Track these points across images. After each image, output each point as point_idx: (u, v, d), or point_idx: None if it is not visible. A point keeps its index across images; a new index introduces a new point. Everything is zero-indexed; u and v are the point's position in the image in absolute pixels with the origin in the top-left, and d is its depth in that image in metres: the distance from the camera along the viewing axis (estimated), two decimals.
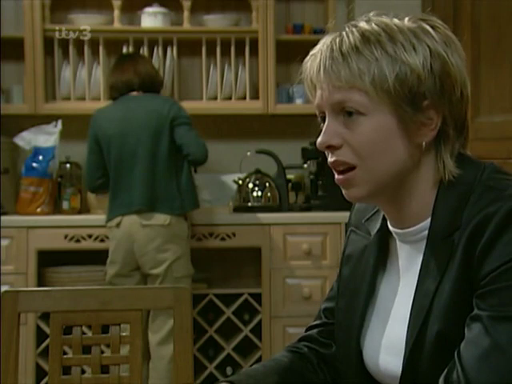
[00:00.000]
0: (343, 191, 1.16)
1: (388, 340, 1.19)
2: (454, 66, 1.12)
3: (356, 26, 1.12)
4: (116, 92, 3.43)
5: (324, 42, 1.14)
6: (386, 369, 1.18)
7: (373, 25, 1.11)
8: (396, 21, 1.12)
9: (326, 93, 1.12)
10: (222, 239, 3.70)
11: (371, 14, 1.15)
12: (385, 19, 1.13)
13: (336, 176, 1.15)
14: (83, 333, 1.54)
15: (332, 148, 1.14)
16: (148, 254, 3.29)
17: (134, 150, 3.31)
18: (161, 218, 3.29)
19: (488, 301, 1.04)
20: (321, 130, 1.16)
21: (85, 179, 3.55)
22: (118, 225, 3.32)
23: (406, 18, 1.14)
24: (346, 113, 1.12)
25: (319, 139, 1.15)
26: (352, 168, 1.13)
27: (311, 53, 1.16)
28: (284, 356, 1.33)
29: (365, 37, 1.10)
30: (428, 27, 1.12)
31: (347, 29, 1.12)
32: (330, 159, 1.14)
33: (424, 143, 1.12)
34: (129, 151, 3.32)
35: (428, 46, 1.10)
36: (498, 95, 3.49)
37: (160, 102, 3.37)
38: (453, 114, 1.13)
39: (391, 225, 1.21)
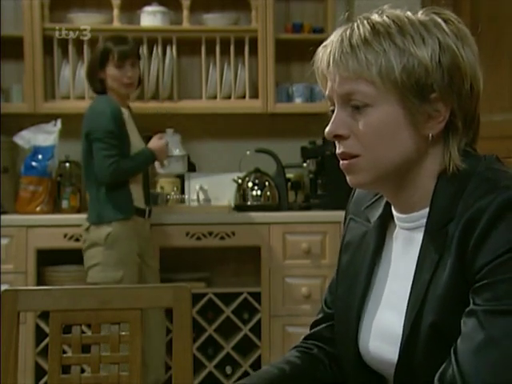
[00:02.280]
0: (347, 177, 1.17)
1: (378, 325, 1.20)
2: (464, 60, 1.12)
3: (368, 18, 1.13)
4: None
5: (336, 34, 1.15)
6: (376, 353, 1.19)
7: (384, 17, 1.12)
8: (408, 13, 1.13)
9: (335, 84, 1.13)
10: (222, 238, 3.70)
11: (385, 6, 1.16)
12: (397, 12, 1.13)
13: (341, 162, 1.16)
14: (82, 332, 1.54)
15: (339, 138, 1.14)
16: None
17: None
18: (83, 223, 3.36)
19: (483, 295, 1.04)
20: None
21: None
22: None
23: (420, 11, 1.14)
24: (354, 107, 1.13)
25: (327, 128, 1.15)
26: (356, 155, 1.14)
27: (323, 44, 1.17)
28: (296, 357, 1.32)
29: (375, 29, 1.11)
30: (440, 20, 1.13)
31: (359, 21, 1.13)
32: (338, 150, 1.16)
33: (431, 135, 1.12)
34: None
35: (438, 39, 1.11)
36: (498, 94, 3.49)
37: (87, 112, 3.35)
38: (462, 107, 1.13)
39: (395, 210, 1.21)
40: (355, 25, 1.13)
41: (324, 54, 1.15)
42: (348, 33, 1.12)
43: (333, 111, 1.17)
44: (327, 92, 1.16)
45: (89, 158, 3.30)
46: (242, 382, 1.24)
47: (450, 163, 1.13)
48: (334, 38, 1.14)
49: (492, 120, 3.34)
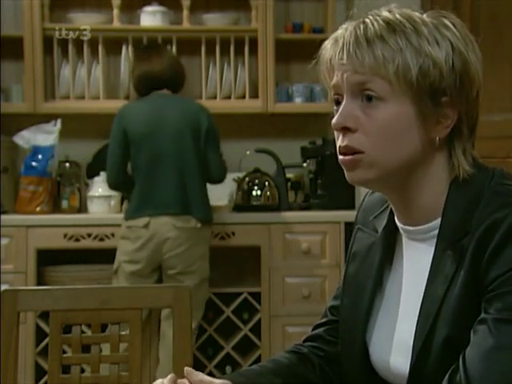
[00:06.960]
0: (346, 174, 1.13)
1: (390, 336, 1.19)
2: (473, 65, 1.11)
3: (379, 15, 1.10)
4: (144, 87, 3.39)
5: (346, 28, 1.12)
6: (395, 368, 1.18)
7: (396, 15, 1.10)
8: (417, 14, 1.12)
9: (347, 73, 1.10)
10: (222, 238, 3.70)
11: (392, 5, 1.14)
12: (407, 11, 1.12)
13: (341, 157, 1.12)
14: (82, 332, 1.54)
15: (346, 130, 1.10)
16: (179, 255, 3.27)
17: (167, 151, 3.28)
18: (193, 221, 3.28)
19: (494, 305, 1.04)
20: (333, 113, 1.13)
21: (108, 174, 3.37)
22: (145, 225, 3.25)
23: (425, 14, 1.13)
24: (366, 97, 1.09)
25: (334, 120, 1.11)
26: (360, 151, 1.10)
27: (332, 36, 1.13)
28: (283, 356, 1.32)
29: (390, 26, 1.08)
30: (449, 23, 1.12)
31: (371, 17, 1.10)
32: (342, 143, 1.11)
33: (437, 139, 1.11)
34: (161, 152, 3.28)
35: (450, 42, 1.10)
36: (498, 94, 3.49)
37: (195, 108, 3.37)
38: (468, 113, 1.12)
39: (399, 220, 1.20)
40: (367, 20, 1.10)
41: (335, 46, 1.11)
42: (361, 28, 1.09)
43: (337, 100, 1.13)
44: (334, 81, 1.12)
45: (199, 153, 3.34)
46: (222, 376, 1.23)
47: (460, 168, 1.11)
48: (344, 32, 1.11)
49: (492, 120, 3.35)
